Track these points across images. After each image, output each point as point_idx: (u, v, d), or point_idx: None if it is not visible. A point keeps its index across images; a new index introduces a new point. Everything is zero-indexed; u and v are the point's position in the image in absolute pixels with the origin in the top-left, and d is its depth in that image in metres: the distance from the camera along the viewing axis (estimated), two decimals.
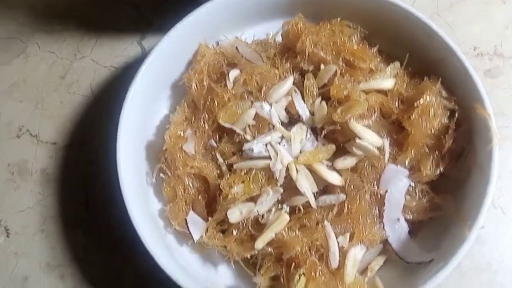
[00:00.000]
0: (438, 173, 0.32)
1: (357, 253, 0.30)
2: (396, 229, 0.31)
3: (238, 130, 0.33)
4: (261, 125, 0.33)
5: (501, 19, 0.41)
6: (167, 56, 0.34)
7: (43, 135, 0.39)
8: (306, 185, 0.31)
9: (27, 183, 0.38)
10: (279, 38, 0.37)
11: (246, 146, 0.32)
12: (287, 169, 0.31)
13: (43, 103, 0.40)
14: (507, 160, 0.36)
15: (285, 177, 0.31)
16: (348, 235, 0.30)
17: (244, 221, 0.31)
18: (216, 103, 0.34)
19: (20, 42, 0.43)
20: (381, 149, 0.31)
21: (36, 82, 0.41)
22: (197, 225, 0.31)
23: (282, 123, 0.34)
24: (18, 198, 0.37)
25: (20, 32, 0.43)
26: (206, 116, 0.34)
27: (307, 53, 0.34)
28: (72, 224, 0.36)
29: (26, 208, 0.37)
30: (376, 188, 0.31)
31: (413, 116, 0.31)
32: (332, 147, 0.32)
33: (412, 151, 0.31)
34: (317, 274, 0.29)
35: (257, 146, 0.32)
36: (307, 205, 0.31)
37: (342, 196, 0.31)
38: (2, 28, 0.44)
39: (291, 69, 0.35)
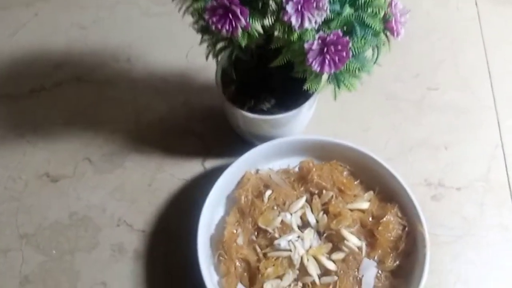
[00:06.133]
0: (395, 265, 0.49)
1: None
2: None
3: (270, 230, 0.51)
4: (285, 227, 0.51)
5: (444, 160, 0.59)
6: (226, 180, 0.54)
7: (135, 225, 0.56)
8: (313, 269, 0.49)
9: (124, 258, 0.54)
10: (296, 169, 0.57)
11: (276, 242, 0.50)
12: (301, 258, 0.49)
13: (136, 202, 0.58)
14: (444, 258, 0.53)
15: (299, 263, 0.49)
16: None
17: None
18: (256, 211, 0.52)
19: (120, 158, 0.61)
20: (360, 248, 0.49)
21: (131, 187, 0.58)
22: None
23: (298, 226, 0.52)
24: (118, 268, 0.54)
25: (120, 150, 0.61)
26: (250, 220, 0.52)
27: (314, 182, 0.53)
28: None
29: (123, 276, 0.53)
30: (356, 273, 0.49)
31: (380, 228, 0.50)
32: (330, 245, 0.50)
33: (379, 250, 0.50)
34: None
35: (283, 242, 0.50)
36: (313, 282, 0.48)
37: (335, 278, 0.48)
38: (107, 147, 0.61)
39: (304, 191, 0.54)
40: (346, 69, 0.43)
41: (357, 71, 0.44)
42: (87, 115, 0.65)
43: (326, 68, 0.41)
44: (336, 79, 0.44)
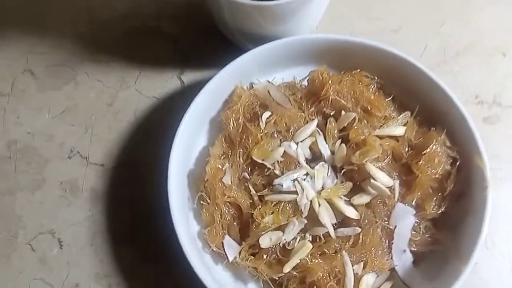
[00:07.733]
0: (439, 212, 0.37)
1: (369, 280, 0.35)
2: (402, 259, 0.36)
3: (268, 165, 0.38)
4: (289, 161, 0.38)
5: (501, 71, 0.46)
6: (210, 96, 0.40)
7: (92, 157, 0.44)
8: (327, 217, 0.36)
9: (78, 200, 0.43)
10: (304, 82, 0.42)
11: (276, 181, 0.37)
12: (311, 202, 0.37)
13: (93, 127, 0.45)
14: (500, 198, 0.41)
15: (308, 210, 0.37)
16: (362, 264, 0.35)
17: (273, 247, 0.36)
18: (250, 140, 0.39)
19: (70, 70, 0.47)
20: (391, 189, 0.37)
21: (86, 108, 0.45)
22: (231, 248, 0.37)
23: (306, 160, 0.39)
24: (70, 213, 0.42)
25: (69, 60, 0.48)
26: (241, 151, 0.39)
27: (330, 100, 0.39)
28: (118, 238, 0.41)
29: (77, 222, 0.42)
30: (387, 223, 0.36)
31: (421, 162, 0.36)
32: (350, 184, 0.37)
33: (419, 192, 0.37)
34: None
35: (286, 182, 0.37)
36: (327, 235, 0.36)
37: (358, 229, 0.36)
38: (52, 55, 0.48)
39: (315, 113, 0.40)
40: None
41: None
42: (26, 14, 0.50)
43: None
44: None
